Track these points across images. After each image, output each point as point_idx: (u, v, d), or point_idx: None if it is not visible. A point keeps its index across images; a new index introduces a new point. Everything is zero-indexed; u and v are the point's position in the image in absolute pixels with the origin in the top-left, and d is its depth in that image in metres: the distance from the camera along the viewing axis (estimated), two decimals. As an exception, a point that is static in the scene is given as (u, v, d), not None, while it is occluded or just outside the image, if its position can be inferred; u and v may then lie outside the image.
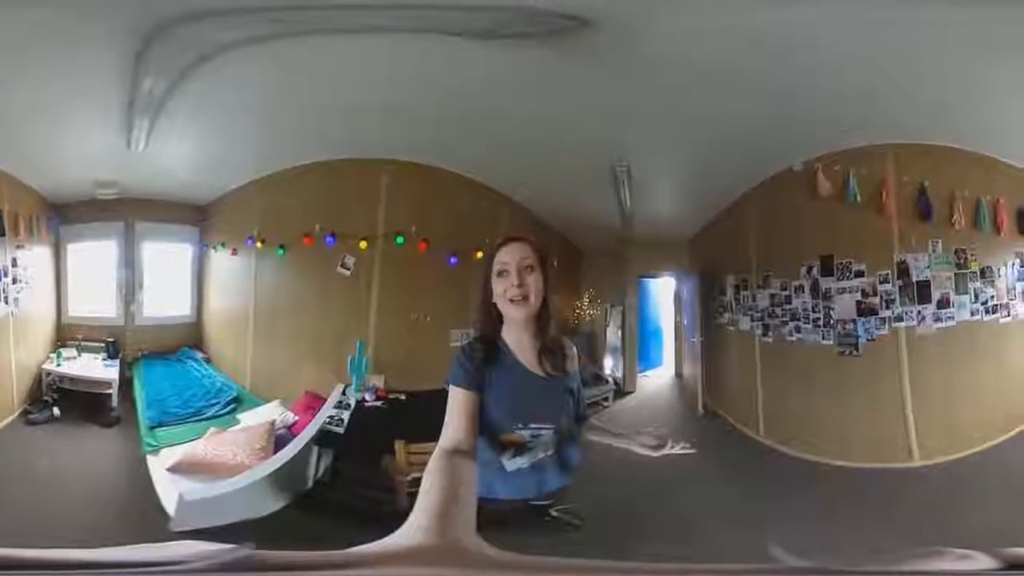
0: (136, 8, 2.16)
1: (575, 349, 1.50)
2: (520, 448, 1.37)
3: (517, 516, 1.46)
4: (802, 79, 2.68)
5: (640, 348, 4.84)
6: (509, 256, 1.36)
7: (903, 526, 2.47)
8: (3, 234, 3.34)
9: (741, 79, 2.68)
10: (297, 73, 2.75)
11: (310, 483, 3.20)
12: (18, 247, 3.45)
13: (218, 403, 3.62)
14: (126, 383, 3.67)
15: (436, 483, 0.73)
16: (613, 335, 4.78)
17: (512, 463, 1.37)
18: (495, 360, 1.37)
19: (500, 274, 1.36)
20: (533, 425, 1.37)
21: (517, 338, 1.40)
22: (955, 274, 3.27)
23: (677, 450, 1.44)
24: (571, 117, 3.06)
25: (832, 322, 3.43)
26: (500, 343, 1.40)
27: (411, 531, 0.56)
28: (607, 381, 4.61)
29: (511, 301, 1.34)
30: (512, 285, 1.33)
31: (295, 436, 3.23)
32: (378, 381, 3.61)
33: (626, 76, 2.65)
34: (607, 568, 0.50)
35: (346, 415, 3.37)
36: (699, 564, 0.53)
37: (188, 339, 4.13)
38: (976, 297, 3.27)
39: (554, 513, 1.45)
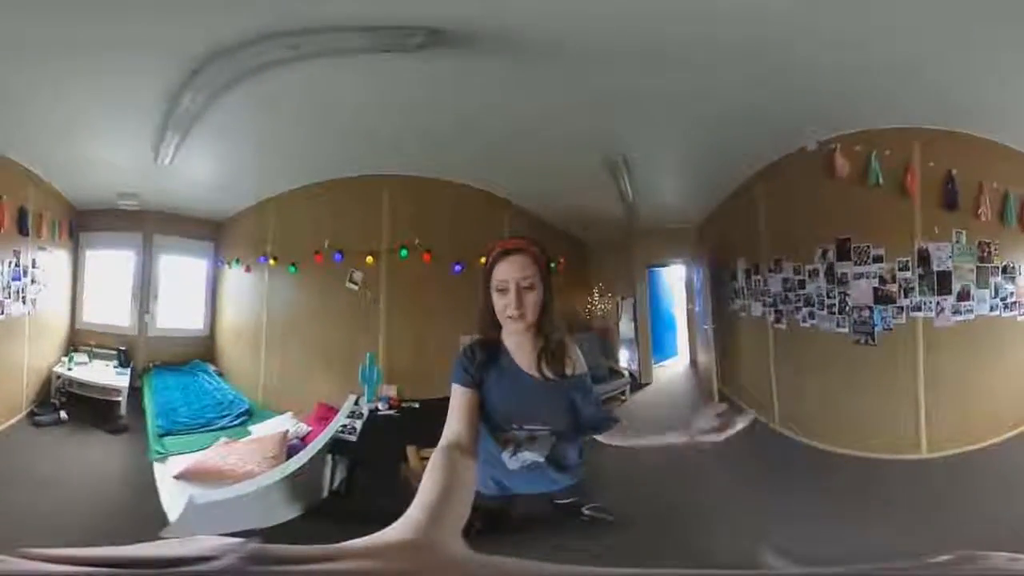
0: (186, 32, 2.19)
1: (578, 352, 1.48)
2: (517, 446, 1.40)
3: (540, 513, 1.49)
4: (820, 53, 2.50)
5: (654, 338, 4.77)
6: (508, 274, 1.34)
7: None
8: (27, 234, 3.36)
9: (747, 52, 2.51)
10: (299, 97, 2.78)
11: (325, 492, 3.25)
12: (40, 249, 3.49)
13: (230, 415, 3.67)
14: (135, 392, 3.68)
15: (432, 478, 0.75)
16: (626, 327, 4.72)
17: (511, 461, 1.40)
18: (495, 362, 1.39)
19: (499, 290, 1.34)
20: (527, 427, 1.39)
21: (517, 342, 1.41)
22: (977, 267, 3.14)
23: (740, 426, 1.25)
24: (561, 111, 2.96)
25: (848, 309, 3.31)
26: (500, 345, 1.42)
27: (402, 525, 0.57)
28: (623, 375, 4.57)
29: (509, 318, 1.34)
30: (510, 304, 1.32)
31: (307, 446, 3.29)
32: (391, 391, 3.67)
33: (615, 57, 2.50)
34: (579, 574, 0.48)
35: (359, 424, 3.44)
36: (695, 570, 0.51)
37: (200, 352, 4.18)
38: (996, 292, 3.15)
39: (586, 512, 1.48)
